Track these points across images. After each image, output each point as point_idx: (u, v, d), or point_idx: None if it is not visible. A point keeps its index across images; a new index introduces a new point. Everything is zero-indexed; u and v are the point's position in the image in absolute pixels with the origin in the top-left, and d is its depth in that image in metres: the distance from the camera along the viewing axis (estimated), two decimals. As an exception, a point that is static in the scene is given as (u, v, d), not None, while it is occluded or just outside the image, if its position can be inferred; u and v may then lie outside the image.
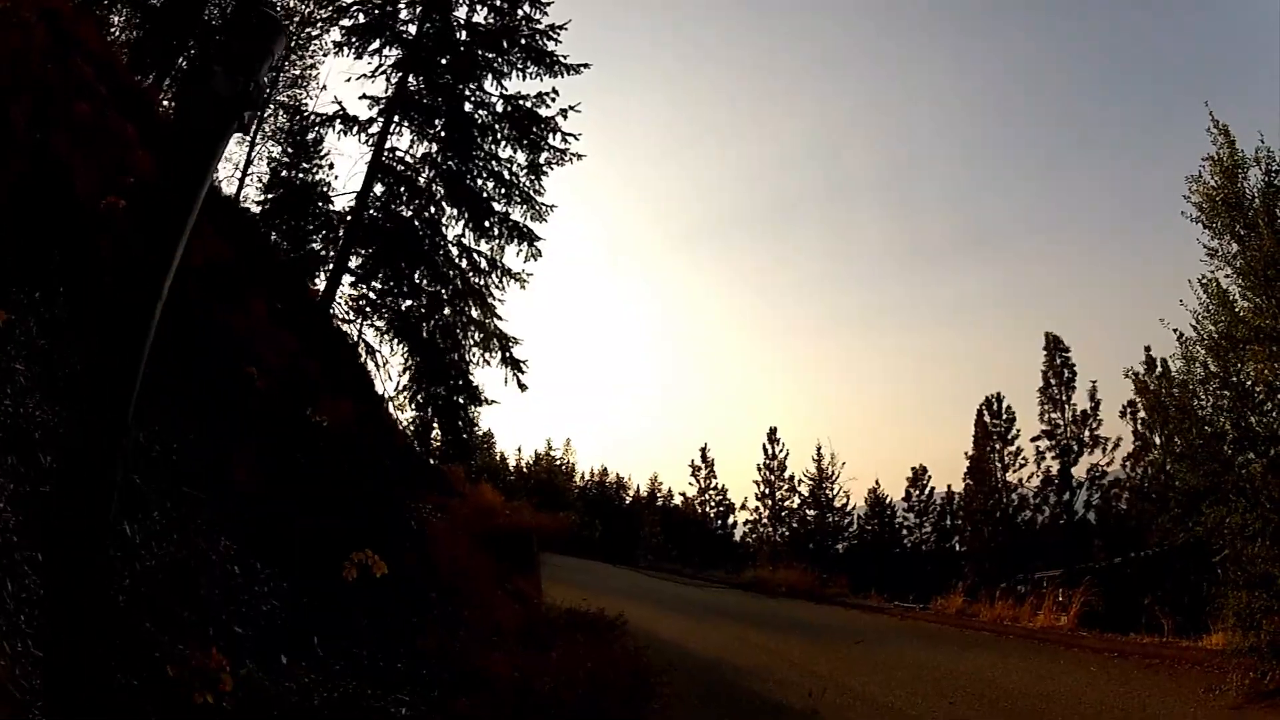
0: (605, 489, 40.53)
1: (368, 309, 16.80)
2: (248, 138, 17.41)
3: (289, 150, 19.03)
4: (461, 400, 17.57)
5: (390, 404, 16.44)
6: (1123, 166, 67.65)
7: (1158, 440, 9.71)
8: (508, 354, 17.57)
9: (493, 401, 17.71)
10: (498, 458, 40.75)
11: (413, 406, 17.21)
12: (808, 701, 8.37)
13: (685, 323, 71.37)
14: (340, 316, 16.46)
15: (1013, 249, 63.49)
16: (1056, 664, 10.62)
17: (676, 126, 75.21)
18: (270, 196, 18.09)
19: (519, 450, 45.58)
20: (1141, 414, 25.59)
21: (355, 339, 16.60)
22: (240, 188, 18.28)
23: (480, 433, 26.28)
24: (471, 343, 17.63)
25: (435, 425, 17.82)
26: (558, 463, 43.07)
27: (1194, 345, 9.13)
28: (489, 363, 17.59)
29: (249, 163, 18.68)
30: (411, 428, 17.19)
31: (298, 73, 19.80)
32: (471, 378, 17.62)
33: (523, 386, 17.51)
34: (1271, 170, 8.92)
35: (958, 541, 34.79)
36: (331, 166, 19.46)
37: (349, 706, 4.09)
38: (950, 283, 63.23)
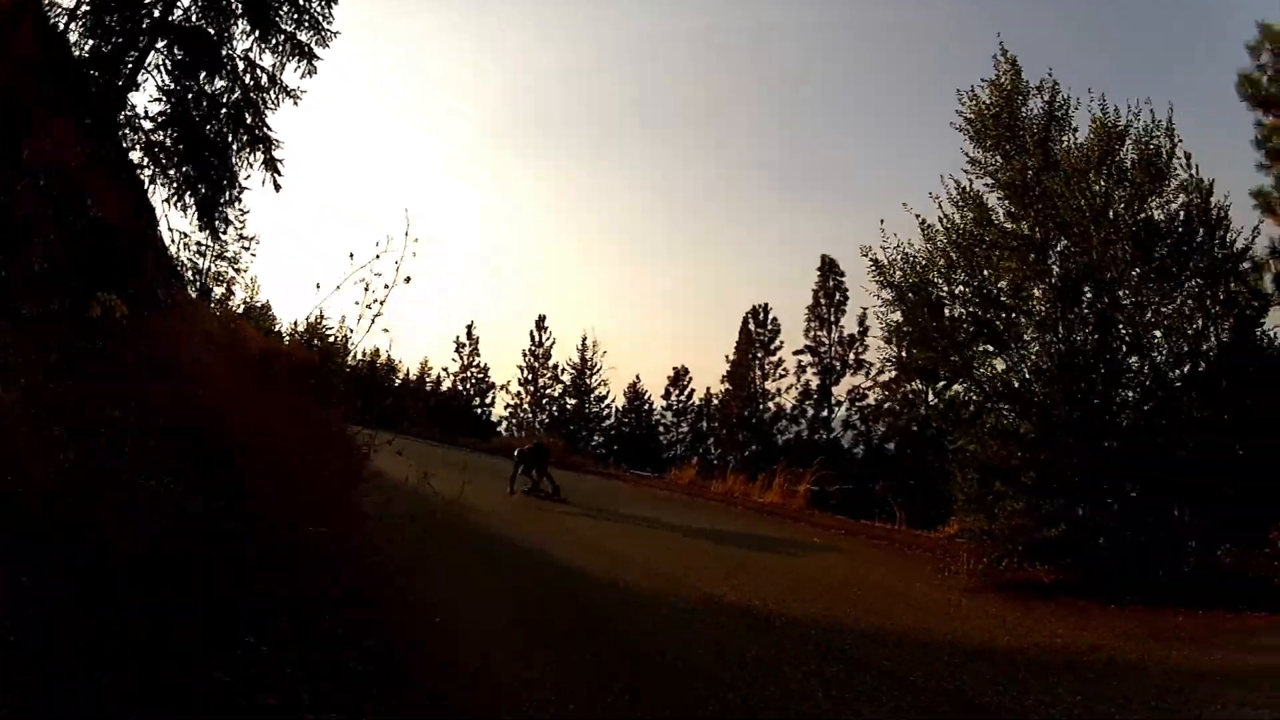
0: (376, 370, 39.42)
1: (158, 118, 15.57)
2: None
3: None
4: (223, 200, 16.75)
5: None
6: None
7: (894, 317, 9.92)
8: (269, 155, 16.87)
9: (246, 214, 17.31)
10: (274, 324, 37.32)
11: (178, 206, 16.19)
12: (532, 539, 9.58)
13: (497, 212, 67.29)
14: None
15: (799, 176, 64.41)
16: (781, 533, 11.25)
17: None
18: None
19: (294, 323, 41.66)
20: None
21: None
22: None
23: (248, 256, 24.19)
24: (239, 145, 16.83)
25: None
26: (329, 336, 40.03)
27: (938, 235, 9.67)
28: (251, 165, 16.96)
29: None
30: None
31: None
32: (237, 174, 16.83)
33: (278, 187, 16.97)
34: (1054, 102, 9.59)
35: (712, 443, 35.67)
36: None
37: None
38: (741, 199, 63.35)
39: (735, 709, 4.86)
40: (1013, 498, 8.98)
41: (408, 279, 4.88)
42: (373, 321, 5.03)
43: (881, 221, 9.91)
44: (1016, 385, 9.28)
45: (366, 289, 4.95)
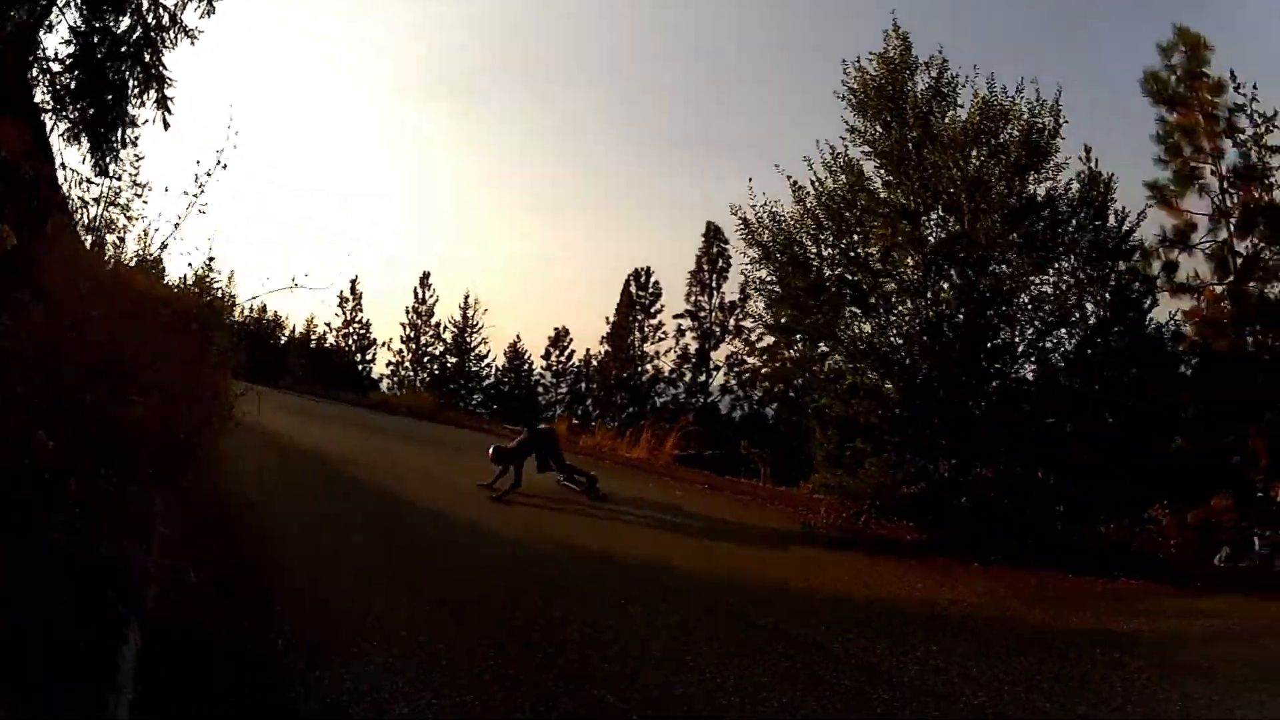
0: (262, 325, 37.22)
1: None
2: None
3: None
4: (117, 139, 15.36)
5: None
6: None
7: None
8: (161, 94, 15.78)
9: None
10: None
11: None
12: (400, 486, 9.68)
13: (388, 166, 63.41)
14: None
15: (692, 140, 63.85)
16: (645, 486, 11.35)
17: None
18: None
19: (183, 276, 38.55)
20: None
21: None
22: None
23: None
24: (136, 85, 15.76)
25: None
26: (217, 290, 37.51)
27: (808, 197, 9.75)
28: (145, 103, 15.74)
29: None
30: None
31: None
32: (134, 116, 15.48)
33: (166, 125, 15.75)
34: (941, 78, 9.79)
35: (590, 404, 35.50)
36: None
37: None
38: (632, 161, 62.41)
39: (570, 630, 5.06)
40: (873, 455, 9.14)
41: (224, 165, 5.61)
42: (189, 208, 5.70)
43: (750, 180, 9.95)
44: (882, 347, 9.44)
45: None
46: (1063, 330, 9.47)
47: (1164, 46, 10.42)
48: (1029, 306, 9.42)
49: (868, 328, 9.56)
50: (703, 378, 33.74)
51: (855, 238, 9.74)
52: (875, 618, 6.09)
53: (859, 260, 9.71)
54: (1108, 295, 9.56)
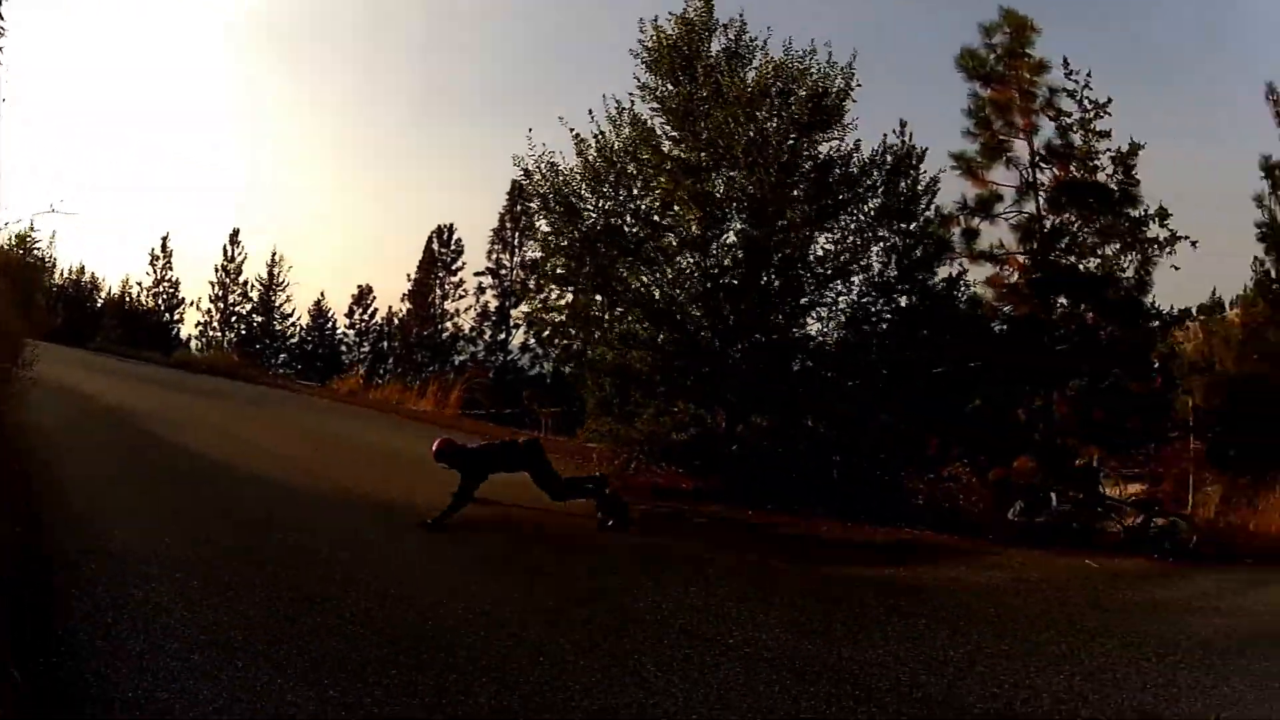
0: (80, 287, 36.19)
1: None
2: None
3: None
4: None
5: None
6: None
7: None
8: None
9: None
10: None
11: None
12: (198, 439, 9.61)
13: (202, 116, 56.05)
14: None
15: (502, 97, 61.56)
16: (427, 439, 10.96)
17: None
18: None
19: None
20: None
21: None
22: None
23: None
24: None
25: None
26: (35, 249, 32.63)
27: (588, 148, 9.66)
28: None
29: None
30: None
31: None
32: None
33: None
34: (739, 39, 9.82)
35: (392, 363, 33.99)
36: None
37: None
38: (445, 117, 59.42)
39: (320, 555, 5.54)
40: (644, 403, 9.19)
41: None
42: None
43: (529, 130, 9.96)
44: (657, 299, 9.30)
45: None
46: (840, 285, 9.50)
47: (987, 26, 10.57)
48: (809, 263, 9.39)
49: (645, 279, 9.42)
50: (503, 336, 32.81)
51: (635, 191, 9.67)
52: (637, 561, 6.24)
53: (640, 213, 9.64)
54: (895, 256, 9.58)
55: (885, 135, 9.74)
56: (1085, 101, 10.07)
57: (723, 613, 5.03)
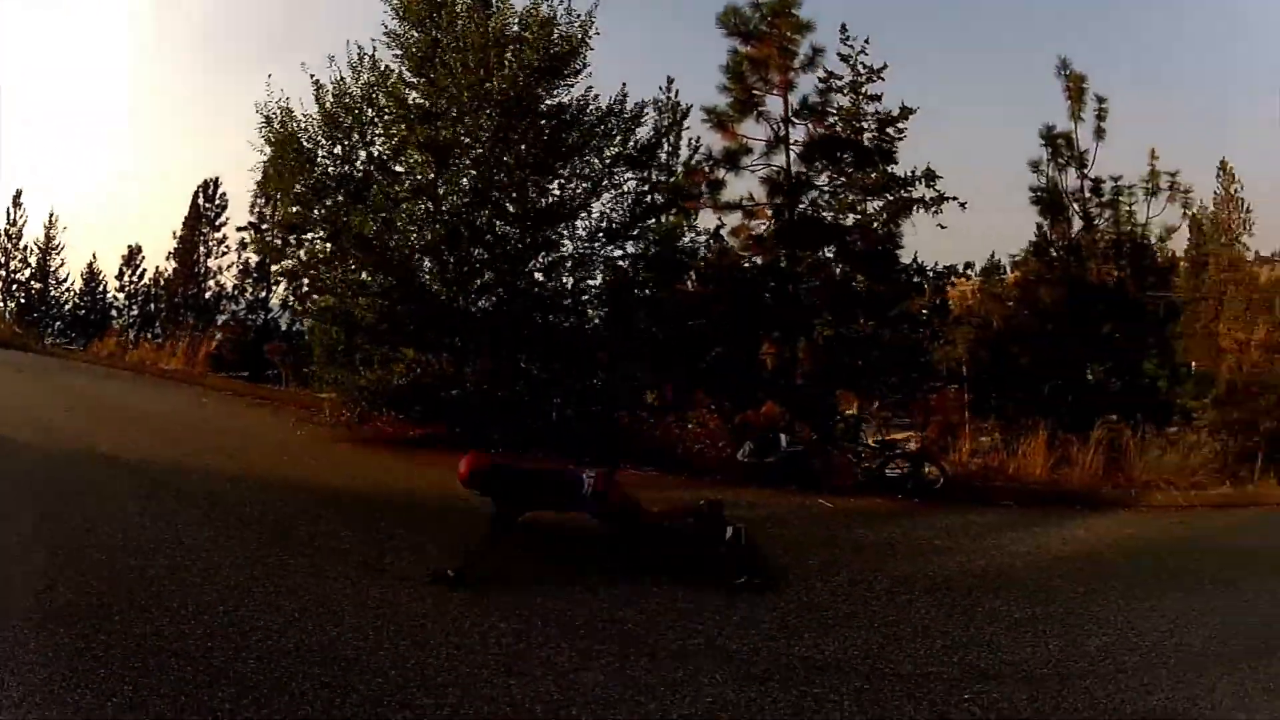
0: None
1: None
2: None
3: None
4: None
5: None
6: None
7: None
8: None
9: None
10: None
11: None
12: None
13: None
14: None
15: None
16: (179, 395, 11.73)
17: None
18: None
19: None
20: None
21: None
22: None
23: None
24: None
25: None
26: None
27: (326, 95, 9.50)
28: None
29: None
30: None
31: None
32: None
33: None
34: None
35: (159, 324, 32.47)
36: None
37: None
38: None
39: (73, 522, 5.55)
40: (372, 351, 9.13)
41: None
42: None
43: (269, 75, 9.96)
44: (390, 246, 9.17)
45: None
46: (565, 231, 9.57)
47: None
48: (539, 210, 9.36)
49: (373, 226, 9.22)
50: (264, 293, 31.92)
51: (370, 138, 9.55)
52: (354, 503, 6.40)
53: (373, 160, 9.54)
54: (628, 204, 9.67)
55: (624, 84, 9.89)
56: (859, 66, 10.38)
57: (419, 546, 5.37)
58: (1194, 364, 12.42)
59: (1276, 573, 6.28)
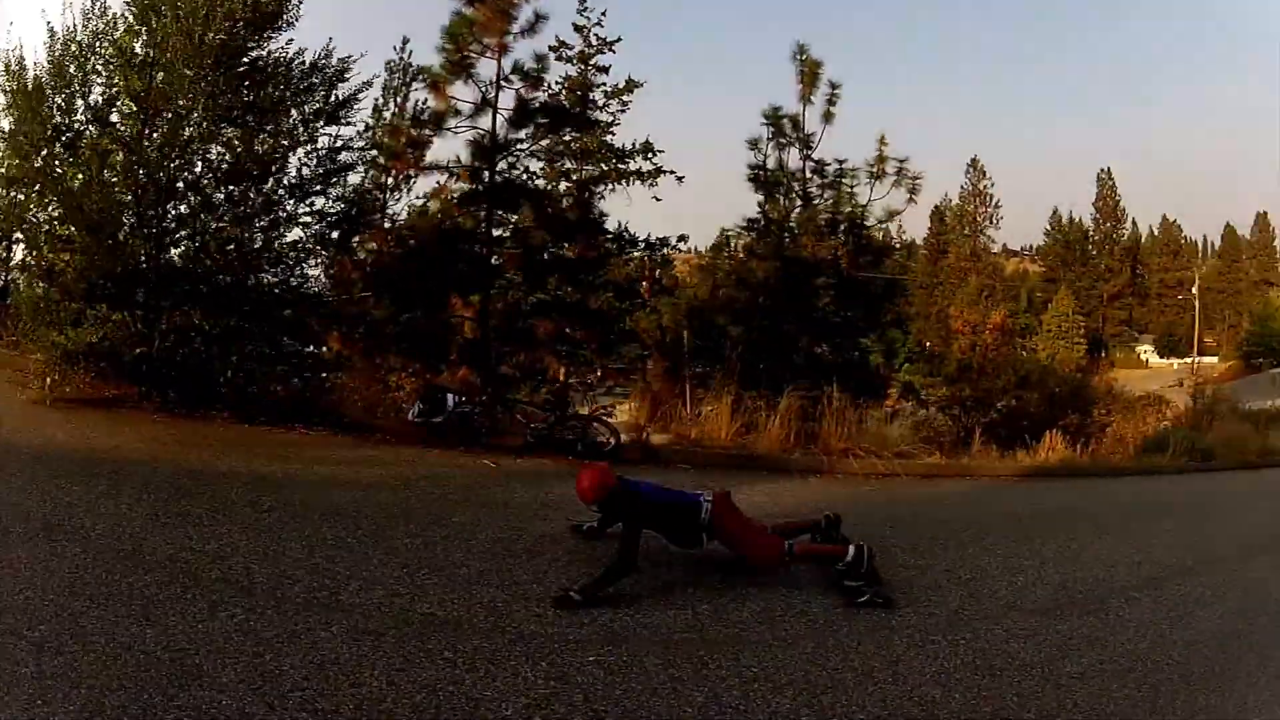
0: None
1: None
2: None
3: None
4: None
5: None
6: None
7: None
8: None
9: None
10: None
11: None
12: None
13: None
14: None
15: None
16: None
17: None
18: None
19: None
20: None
21: None
22: None
23: None
24: None
25: None
26: None
27: (57, 43, 9.58)
28: None
29: None
30: None
31: None
32: None
33: None
34: None
35: None
36: None
37: None
38: None
39: None
40: (75, 308, 9.02)
41: None
42: None
43: (11, 23, 10.52)
44: (89, 197, 9.10)
45: None
46: (251, 186, 9.64)
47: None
48: (232, 163, 9.49)
49: (80, 178, 9.28)
50: (4, 254, 31.30)
51: (90, 86, 9.67)
52: (30, 464, 6.22)
53: (91, 109, 9.60)
54: (318, 160, 9.94)
55: (330, 39, 10.30)
56: (592, 37, 10.49)
57: (93, 507, 5.27)
58: (928, 344, 12.72)
59: (944, 540, 6.20)
